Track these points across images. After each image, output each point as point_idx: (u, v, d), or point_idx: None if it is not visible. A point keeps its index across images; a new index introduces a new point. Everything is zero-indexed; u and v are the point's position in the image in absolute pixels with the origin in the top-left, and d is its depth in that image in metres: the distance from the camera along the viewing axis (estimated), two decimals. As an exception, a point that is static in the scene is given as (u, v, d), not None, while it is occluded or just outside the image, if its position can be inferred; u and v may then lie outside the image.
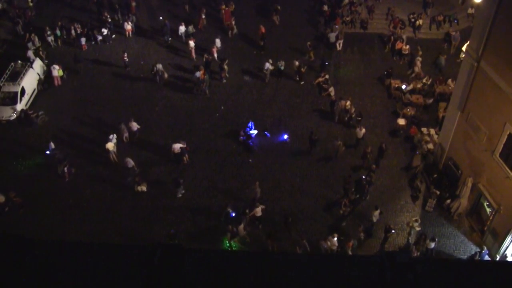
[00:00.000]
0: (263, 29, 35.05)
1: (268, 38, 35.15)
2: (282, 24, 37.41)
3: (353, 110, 29.58)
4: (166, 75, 32.77)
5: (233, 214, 24.28)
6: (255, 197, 25.17)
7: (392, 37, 34.69)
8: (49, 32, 34.82)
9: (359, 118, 29.35)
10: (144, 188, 25.90)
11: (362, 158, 27.13)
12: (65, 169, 26.47)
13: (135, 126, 28.90)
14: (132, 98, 31.60)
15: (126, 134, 28.85)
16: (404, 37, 34.38)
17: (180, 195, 25.99)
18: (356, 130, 28.11)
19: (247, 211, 24.09)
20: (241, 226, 23.45)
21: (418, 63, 32.59)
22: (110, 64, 34.01)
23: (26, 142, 28.88)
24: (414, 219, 23.99)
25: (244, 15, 38.15)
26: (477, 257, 23.27)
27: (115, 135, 28.12)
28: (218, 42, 34.35)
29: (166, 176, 26.95)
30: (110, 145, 27.61)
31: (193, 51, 34.05)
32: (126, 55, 33.20)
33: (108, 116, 30.30)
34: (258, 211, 24.19)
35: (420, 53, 33.01)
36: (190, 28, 34.89)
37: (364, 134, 27.95)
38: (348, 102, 29.80)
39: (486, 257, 23.16)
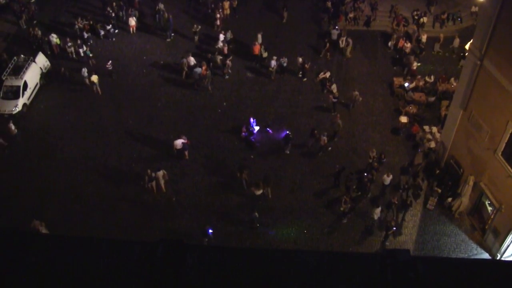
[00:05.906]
0: (256, 50, 33.29)
1: (272, 37, 34.92)
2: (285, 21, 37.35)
3: (374, 154, 26.75)
4: (166, 15, 35.58)
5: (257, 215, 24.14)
6: (337, 129, 27.94)
7: (327, 44, 33.94)
8: (69, 44, 33.72)
9: (383, 160, 26.72)
10: None
11: (387, 207, 25.22)
12: None
13: (192, 60, 32.20)
14: (135, 94, 31.59)
15: (186, 69, 31.96)
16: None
17: (288, 152, 27.81)
18: (383, 176, 25.55)
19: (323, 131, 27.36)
20: (160, 172, 25.20)
21: None
22: (112, 60, 33.90)
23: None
24: None
25: (248, 11, 38.10)
26: None
27: (85, 68, 31.30)
28: (259, 37, 33.99)
29: (168, 172, 26.98)
30: (95, 78, 30.81)
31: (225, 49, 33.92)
32: (110, 63, 32.24)
33: (110, 113, 30.40)
34: (324, 139, 27.20)
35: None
36: (228, 34, 34.67)
37: (391, 181, 25.55)
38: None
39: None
